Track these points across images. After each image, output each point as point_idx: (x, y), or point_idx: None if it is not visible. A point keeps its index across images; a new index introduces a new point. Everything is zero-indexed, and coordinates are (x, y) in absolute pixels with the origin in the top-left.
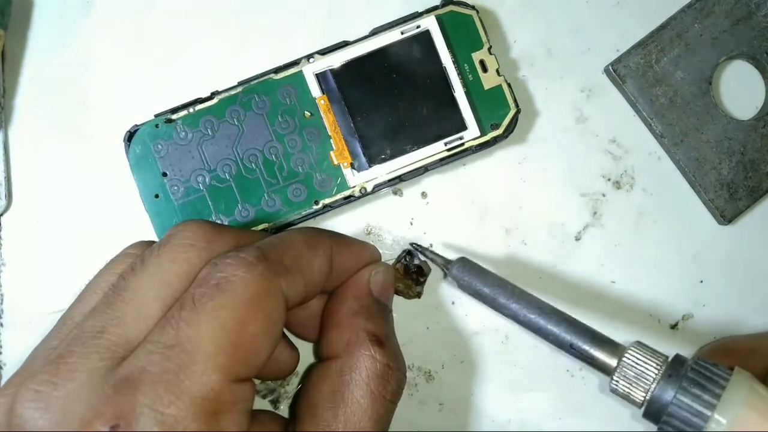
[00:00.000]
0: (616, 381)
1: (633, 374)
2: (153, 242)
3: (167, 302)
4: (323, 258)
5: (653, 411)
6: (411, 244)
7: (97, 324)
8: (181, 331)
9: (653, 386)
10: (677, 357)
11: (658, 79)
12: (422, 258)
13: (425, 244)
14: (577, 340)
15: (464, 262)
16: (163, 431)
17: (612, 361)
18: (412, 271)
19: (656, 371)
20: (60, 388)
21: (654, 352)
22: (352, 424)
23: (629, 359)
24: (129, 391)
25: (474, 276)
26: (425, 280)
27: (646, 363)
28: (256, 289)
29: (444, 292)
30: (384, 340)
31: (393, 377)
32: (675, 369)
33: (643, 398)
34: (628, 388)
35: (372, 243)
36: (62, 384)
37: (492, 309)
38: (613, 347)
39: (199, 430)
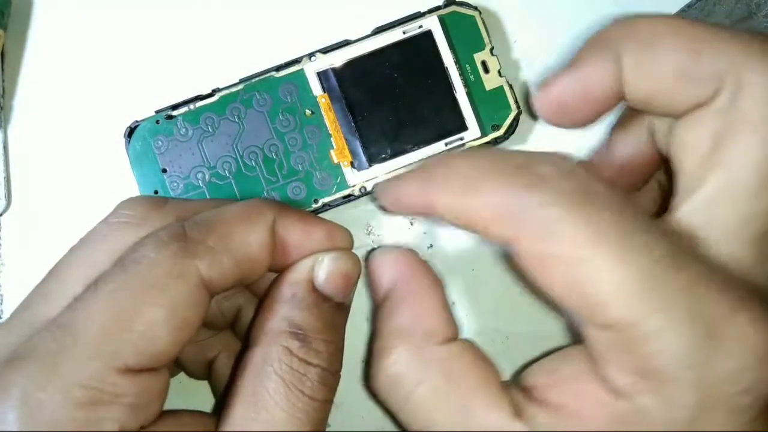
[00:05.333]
0: None
1: None
2: (153, 198)
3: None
4: (262, 232)
5: None
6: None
7: (29, 299)
8: (76, 311)
9: None
10: None
11: None
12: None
13: (425, 245)
14: None
15: None
16: (25, 414)
17: None
18: None
19: None
20: None
21: None
22: (265, 420)
23: None
24: (11, 369)
25: None
26: None
27: None
28: (163, 270)
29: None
30: (310, 333)
31: (312, 372)
32: None
33: None
34: None
35: (365, 241)
36: None
37: None
38: None
39: (67, 418)
